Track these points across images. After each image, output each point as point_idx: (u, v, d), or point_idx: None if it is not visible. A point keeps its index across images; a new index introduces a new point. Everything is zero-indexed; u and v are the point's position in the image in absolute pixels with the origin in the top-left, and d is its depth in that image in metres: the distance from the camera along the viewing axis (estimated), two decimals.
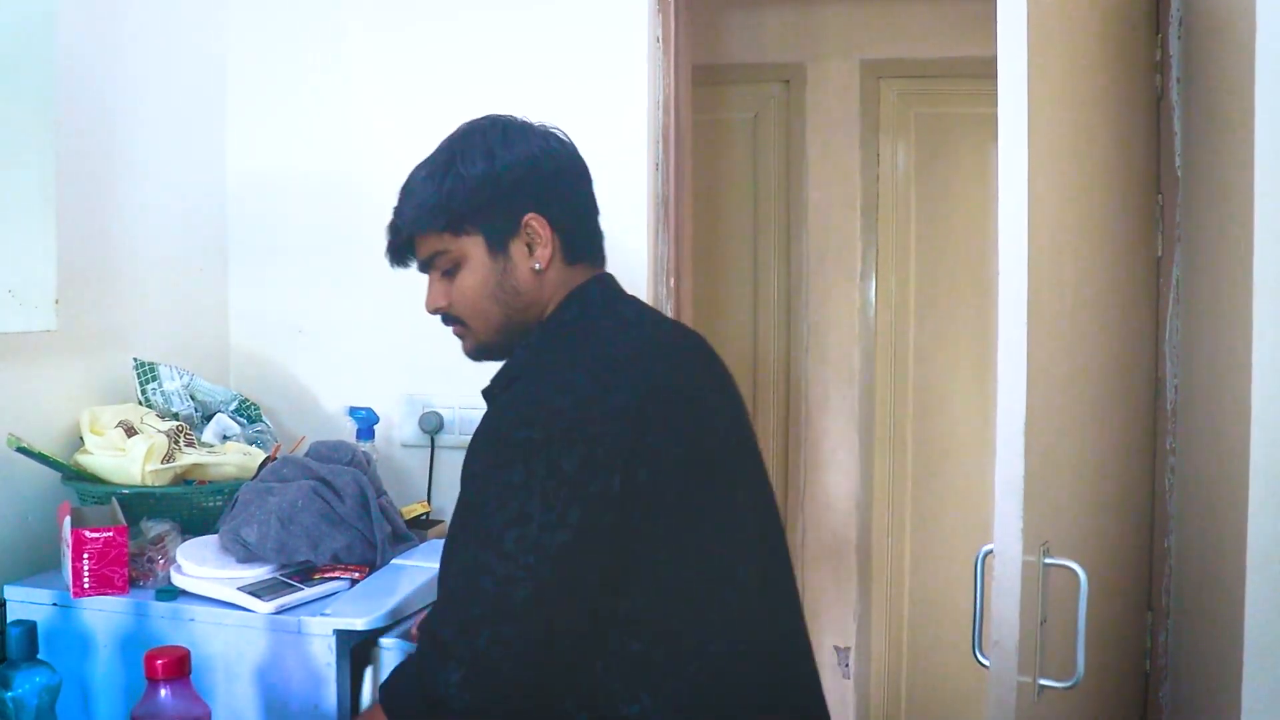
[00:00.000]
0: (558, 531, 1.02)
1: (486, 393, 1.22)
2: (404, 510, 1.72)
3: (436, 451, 1.99)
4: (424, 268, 1.23)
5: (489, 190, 1.16)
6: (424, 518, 1.79)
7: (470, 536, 1.05)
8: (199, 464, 1.63)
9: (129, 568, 1.41)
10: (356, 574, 1.45)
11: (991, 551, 1.20)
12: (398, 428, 2.02)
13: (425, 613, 1.37)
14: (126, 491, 1.55)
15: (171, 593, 1.41)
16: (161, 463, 1.58)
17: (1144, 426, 1.73)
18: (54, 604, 1.43)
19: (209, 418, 1.80)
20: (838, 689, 3.00)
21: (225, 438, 1.77)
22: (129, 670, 1.40)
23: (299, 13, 2.05)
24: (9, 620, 1.38)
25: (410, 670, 1.08)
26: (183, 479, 1.62)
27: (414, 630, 1.34)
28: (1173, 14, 1.69)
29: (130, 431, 1.62)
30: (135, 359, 1.78)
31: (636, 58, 1.90)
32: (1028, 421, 1.17)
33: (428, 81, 1.98)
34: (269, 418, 1.90)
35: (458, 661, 1.01)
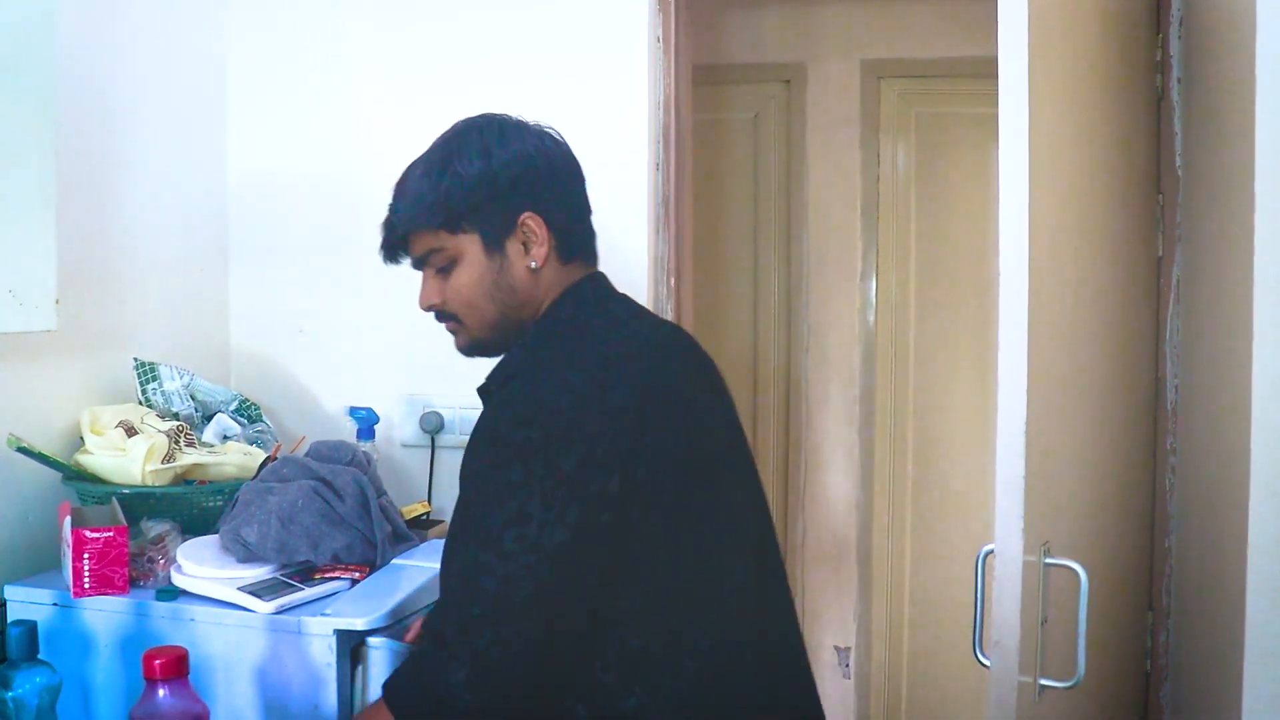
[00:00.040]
0: (557, 530, 1.02)
1: (482, 390, 1.22)
2: (404, 510, 1.72)
3: (437, 451, 1.99)
4: (418, 265, 1.23)
5: (486, 189, 1.17)
6: (424, 518, 1.79)
7: (470, 536, 1.06)
8: (199, 464, 1.63)
9: (129, 568, 1.41)
10: (357, 574, 1.45)
11: (992, 551, 1.20)
12: (398, 428, 2.02)
13: (422, 616, 1.38)
14: (127, 491, 1.55)
15: (172, 593, 1.41)
16: (162, 463, 1.58)
17: (1144, 426, 1.73)
18: (54, 604, 1.43)
19: (209, 418, 1.80)
20: (838, 689, 3.00)
21: (225, 438, 1.77)
22: (129, 670, 1.40)
23: (299, 12, 2.05)
24: (9, 620, 1.39)
25: (414, 669, 1.08)
26: (183, 479, 1.62)
27: (409, 634, 1.34)
28: (1173, 14, 1.69)
29: (130, 431, 1.62)
30: (135, 359, 1.78)
31: (637, 57, 1.90)
32: (1028, 421, 1.17)
33: (428, 81, 1.98)
34: (269, 418, 1.90)
35: (461, 661, 1.01)
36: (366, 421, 1.91)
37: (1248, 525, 1.33)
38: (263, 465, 1.62)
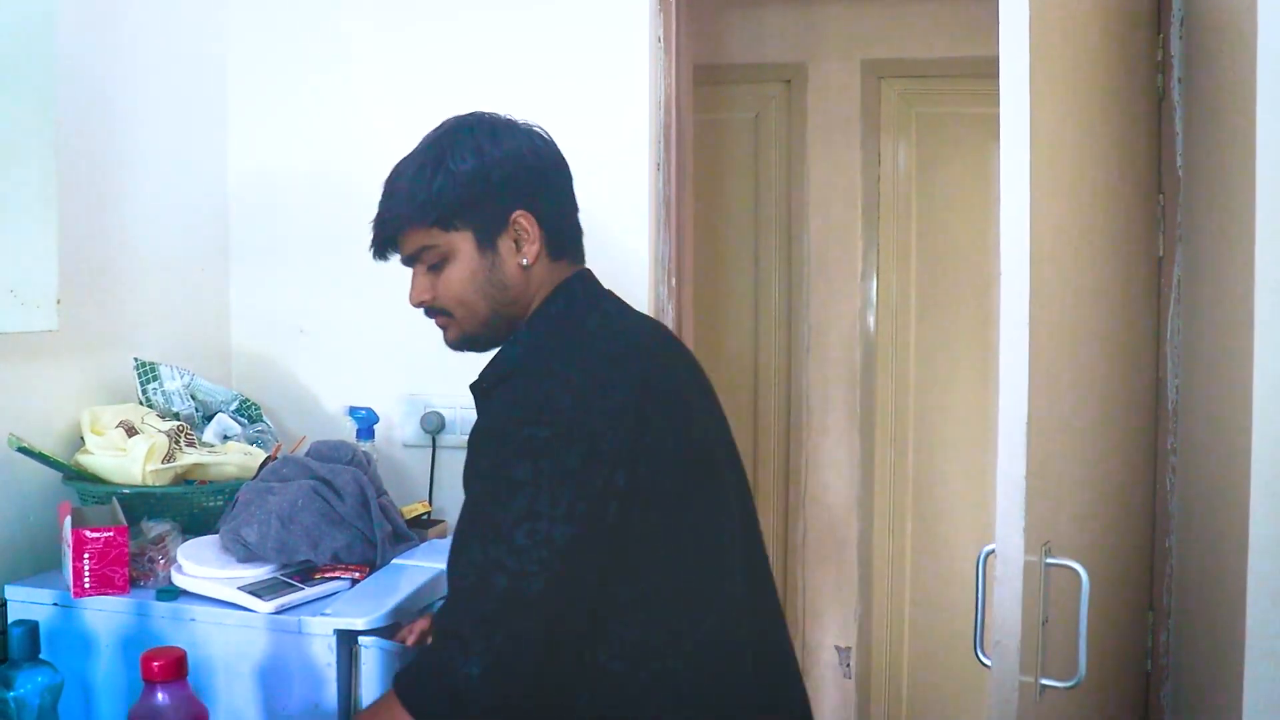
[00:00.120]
0: (566, 526, 1.03)
1: (475, 387, 1.23)
2: (405, 510, 1.72)
3: (437, 451, 1.99)
4: (409, 262, 1.23)
5: (479, 186, 1.17)
6: (425, 517, 1.79)
7: (480, 533, 1.06)
8: (199, 464, 1.63)
9: (129, 567, 1.41)
10: (357, 574, 1.45)
11: (993, 551, 1.20)
12: (398, 427, 2.02)
13: (412, 619, 1.37)
14: (127, 491, 1.55)
15: (172, 592, 1.41)
16: (162, 463, 1.58)
17: (1145, 426, 1.73)
18: (55, 604, 1.43)
19: (210, 418, 1.80)
20: (839, 689, 3.00)
21: (226, 438, 1.77)
22: (130, 670, 1.40)
23: (299, 12, 2.05)
24: (10, 620, 1.39)
25: (427, 664, 1.08)
26: (183, 479, 1.62)
27: (408, 636, 1.34)
28: (1174, 14, 1.68)
29: (131, 431, 1.62)
30: (136, 359, 1.78)
31: (638, 57, 1.90)
32: (1029, 421, 1.17)
33: (428, 81, 1.98)
34: (270, 418, 1.90)
35: (476, 656, 1.02)
36: (367, 421, 1.91)
37: (1248, 525, 1.33)
38: (263, 465, 1.62)
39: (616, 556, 1.07)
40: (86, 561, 1.38)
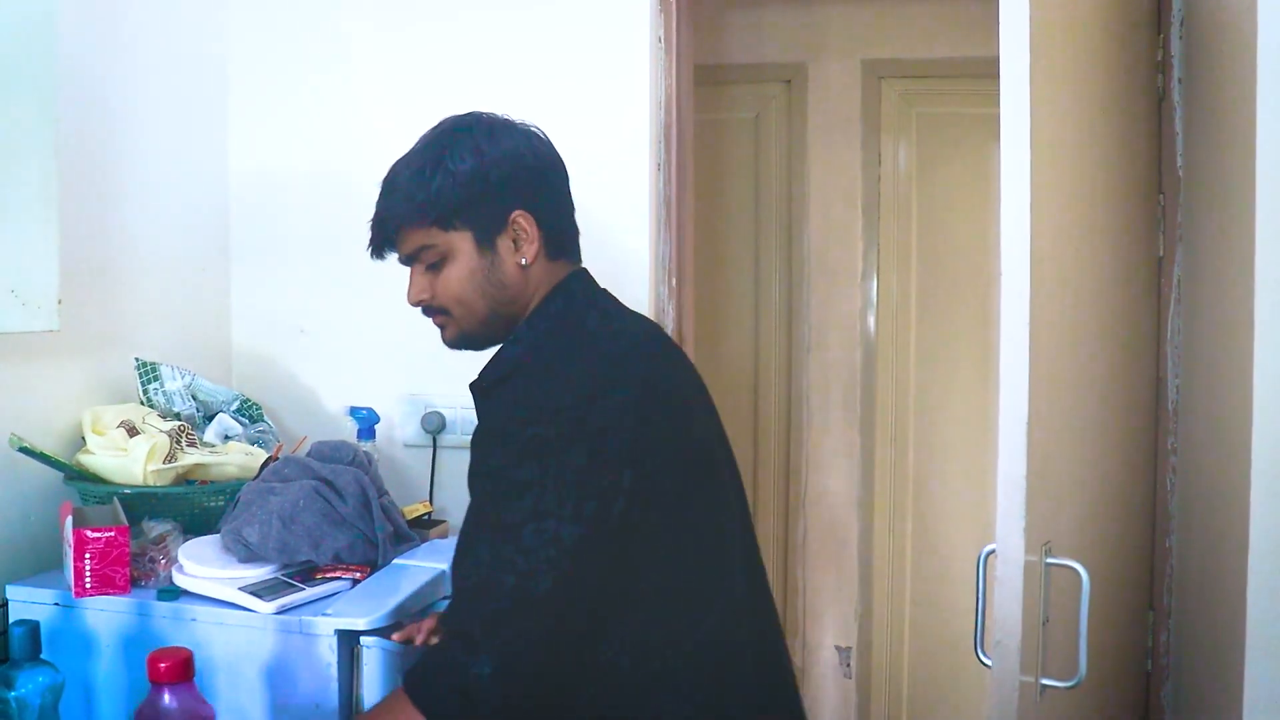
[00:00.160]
0: (574, 525, 1.04)
1: (475, 386, 1.23)
2: (406, 510, 1.72)
3: (438, 451, 1.99)
4: (407, 261, 1.23)
5: (478, 186, 1.17)
6: (426, 518, 1.79)
7: (487, 533, 1.07)
8: (201, 464, 1.63)
9: (131, 567, 1.41)
10: (358, 574, 1.45)
11: (994, 551, 1.20)
12: (399, 428, 2.02)
13: (429, 617, 1.38)
14: (128, 491, 1.55)
15: (173, 593, 1.41)
16: (163, 463, 1.58)
17: (1145, 426, 1.73)
18: (56, 604, 1.43)
19: (211, 418, 1.80)
20: (839, 689, 3.00)
21: (227, 438, 1.77)
22: (131, 670, 1.40)
23: (300, 12, 2.05)
24: (11, 620, 1.39)
25: (437, 664, 1.08)
26: (184, 479, 1.62)
27: (395, 636, 1.34)
28: (1174, 14, 1.68)
29: (132, 431, 1.62)
30: (137, 359, 1.78)
31: (638, 57, 1.90)
32: (1030, 421, 1.17)
33: (428, 81, 1.98)
34: (270, 418, 1.90)
35: (487, 655, 1.03)
36: (368, 421, 1.91)
37: (1249, 525, 1.33)
38: (264, 465, 1.62)
39: (621, 555, 1.08)
40: (88, 561, 1.38)
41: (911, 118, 2.95)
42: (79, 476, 1.59)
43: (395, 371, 2.01)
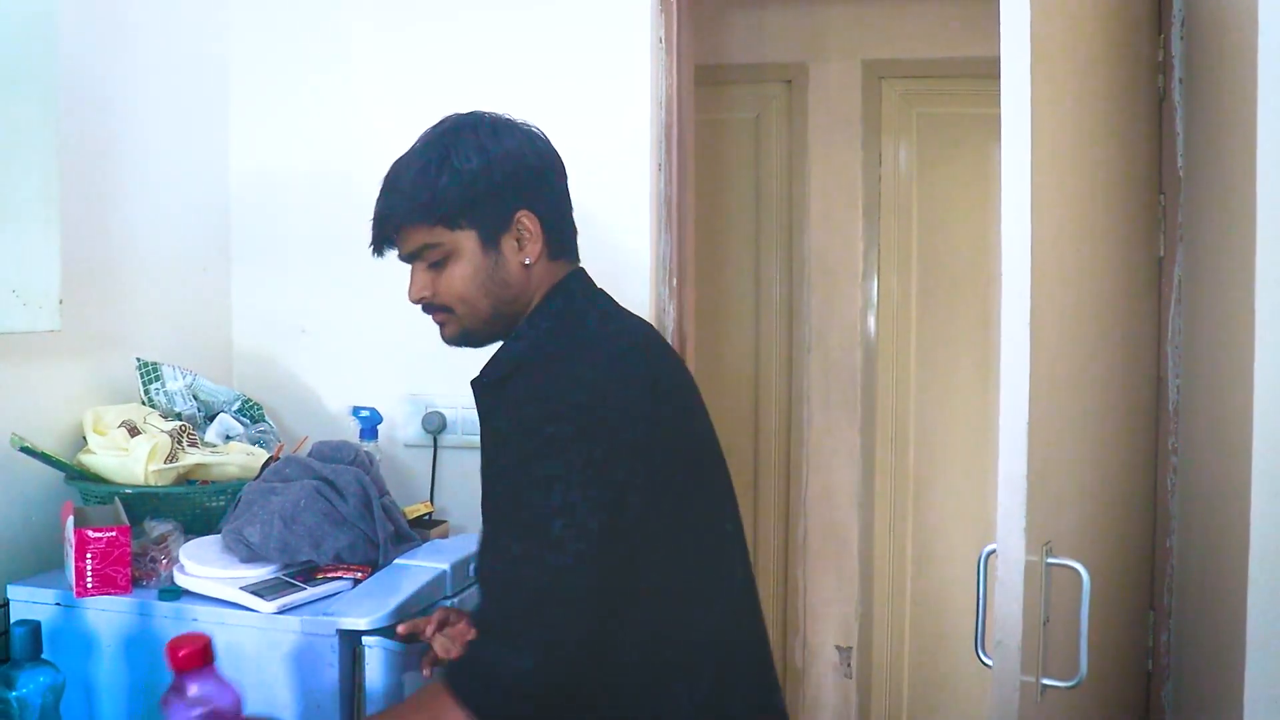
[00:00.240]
0: (598, 516, 1.05)
1: (477, 383, 1.23)
2: (407, 510, 1.72)
3: (439, 451, 2.00)
4: (409, 259, 1.23)
5: (483, 185, 1.17)
6: (427, 518, 1.79)
7: (515, 529, 1.07)
8: (202, 464, 1.63)
9: (132, 567, 1.41)
10: (359, 574, 1.46)
11: (994, 551, 1.20)
12: (400, 428, 2.02)
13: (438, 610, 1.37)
14: (129, 491, 1.55)
15: (174, 592, 1.41)
16: (164, 463, 1.58)
17: (1146, 426, 1.73)
18: (57, 604, 1.43)
19: (212, 418, 1.80)
20: (840, 689, 3.00)
21: (228, 438, 1.77)
22: (132, 670, 1.40)
23: (300, 12, 2.06)
24: (13, 620, 1.39)
25: (479, 660, 1.08)
26: (185, 479, 1.62)
27: (401, 629, 1.33)
28: (1175, 14, 1.69)
29: (133, 431, 1.62)
30: (138, 359, 1.78)
31: (639, 58, 1.90)
32: (1030, 421, 1.17)
33: (429, 81, 1.98)
34: (272, 418, 1.90)
35: (527, 650, 1.04)
36: (369, 421, 1.92)
37: (1249, 525, 1.33)
38: (265, 465, 1.62)
39: (632, 547, 1.09)
40: (89, 561, 1.38)
41: (912, 118, 2.95)
42: (80, 476, 1.59)
43: (396, 371, 2.01)
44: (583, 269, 1.28)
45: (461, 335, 1.24)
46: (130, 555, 1.41)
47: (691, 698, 1.13)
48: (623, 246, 1.88)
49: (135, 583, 1.43)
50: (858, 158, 2.93)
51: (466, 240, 1.18)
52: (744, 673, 1.20)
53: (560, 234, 1.24)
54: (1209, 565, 1.55)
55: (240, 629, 1.35)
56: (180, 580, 1.42)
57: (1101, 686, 1.51)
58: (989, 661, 1.22)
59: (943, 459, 2.96)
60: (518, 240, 1.20)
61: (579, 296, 1.23)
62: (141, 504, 1.55)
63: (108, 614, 1.41)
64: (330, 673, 1.32)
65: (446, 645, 1.29)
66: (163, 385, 1.78)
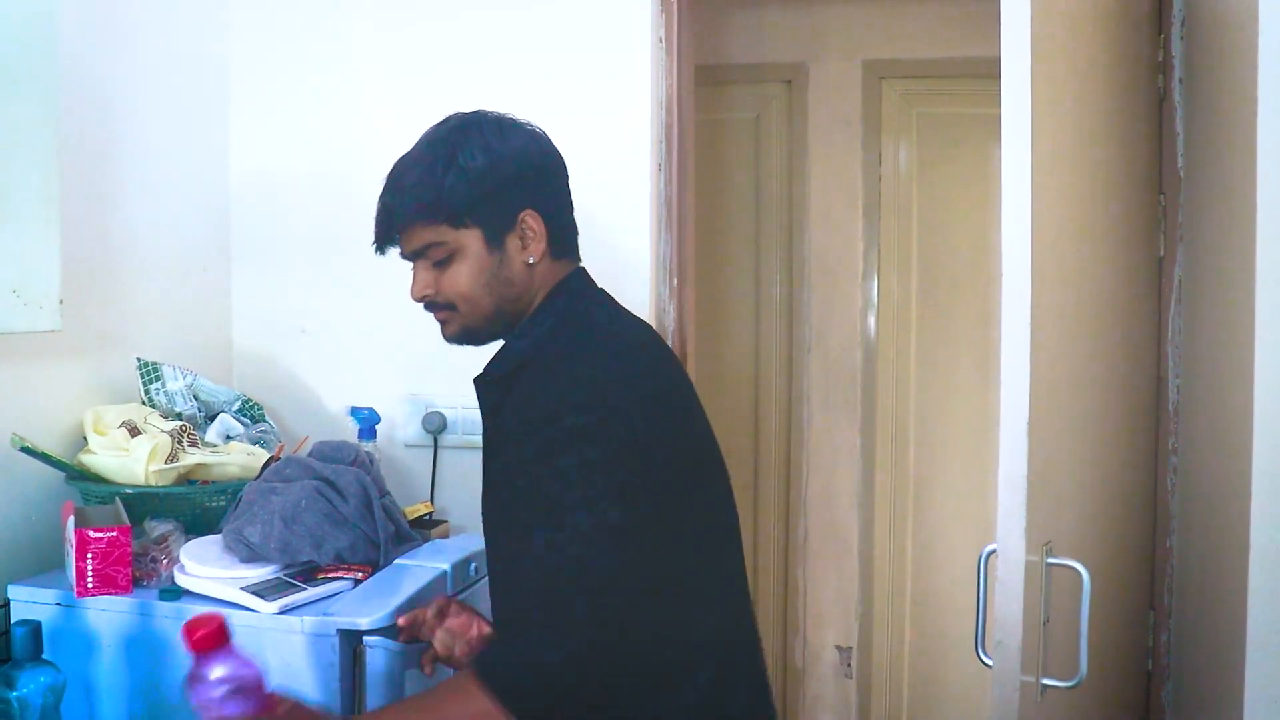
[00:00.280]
0: (618, 509, 1.05)
1: (481, 380, 1.23)
2: (407, 510, 1.72)
3: (439, 452, 2.00)
4: (411, 257, 1.23)
5: (490, 184, 1.17)
6: (427, 518, 1.79)
7: (539, 523, 1.07)
8: (202, 464, 1.63)
9: (132, 567, 1.41)
10: (359, 574, 1.46)
11: (994, 551, 1.20)
12: (400, 428, 2.02)
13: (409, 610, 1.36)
14: (130, 491, 1.55)
15: (175, 592, 1.41)
16: (165, 463, 1.58)
17: (1146, 426, 1.73)
18: (58, 604, 1.43)
19: (212, 418, 1.80)
20: (840, 689, 3.00)
21: (228, 438, 1.77)
22: (133, 670, 1.40)
23: (300, 12, 2.06)
24: (13, 620, 1.39)
25: (511, 652, 1.08)
26: (186, 479, 1.62)
27: (401, 621, 1.33)
28: (1175, 14, 1.69)
29: (134, 431, 1.62)
30: (139, 359, 1.78)
31: (639, 58, 1.91)
32: (1031, 421, 1.17)
33: (429, 81, 1.98)
34: (272, 418, 1.90)
35: (559, 641, 1.04)
36: (369, 421, 1.91)
37: (1249, 525, 1.33)
38: (266, 465, 1.62)
39: (644, 541, 1.09)
40: (90, 561, 1.38)
41: (912, 118, 2.95)
42: (81, 476, 1.59)
43: (396, 371, 2.01)
44: (584, 268, 1.28)
45: (463, 333, 1.25)
46: (131, 555, 1.41)
47: (692, 698, 1.13)
48: (623, 246, 1.88)
49: (136, 583, 1.43)
50: (858, 158, 2.94)
51: (471, 239, 1.19)
52: (744, 673, 1.21)
53: (563, 233, 1.24)
54: (1209, 565, 1.55)
55: (241, 629, 1.33)
56: (181, 580, 1.42)
57: (1101, 686, 1.51)
58: (989, 661, 1.22)
59: (943, 459, 2.96)
60: (522, 239, 1.20)
61: (582, 295, 1.24)
62: (142, 504, 1.55)
63: (108, 614, 1.41)
64: (331, 673, 1.32)
65: (448, 642, 1.29)
66: (163, 385, 1.78)
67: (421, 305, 1.25)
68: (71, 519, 1.43)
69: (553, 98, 1.88)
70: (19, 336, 1.54)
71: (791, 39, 2.96)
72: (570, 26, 1.93)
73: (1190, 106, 1.67)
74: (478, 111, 1.24)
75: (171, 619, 1.38)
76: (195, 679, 1.08)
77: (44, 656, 1.28)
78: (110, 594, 1.40)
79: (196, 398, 1.80)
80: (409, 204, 1.19)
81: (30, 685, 1.25)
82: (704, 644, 1.15)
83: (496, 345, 1.26)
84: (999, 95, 1.17)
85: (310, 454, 1.61)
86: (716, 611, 1.17)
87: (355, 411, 1.94)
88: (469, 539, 1.66)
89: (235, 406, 1.85)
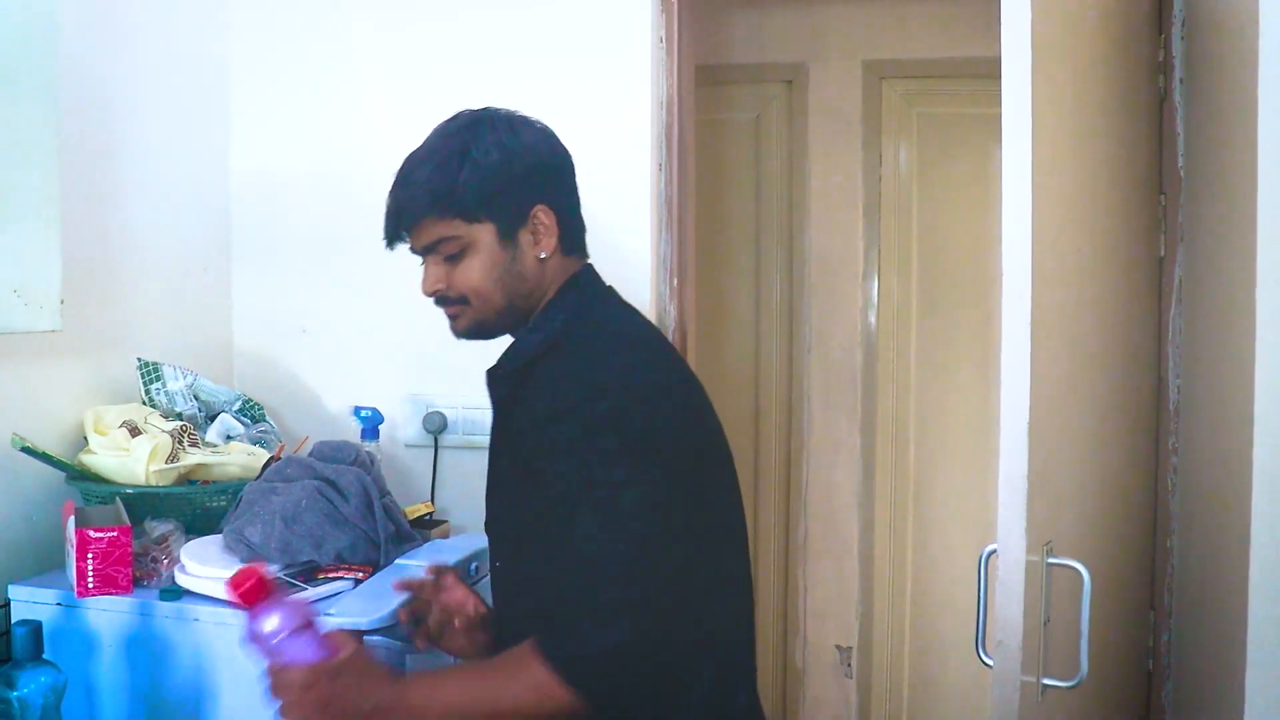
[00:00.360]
0: (662, 488, 1.07)
1: (495, 373, 1.23)
2: (407, 510, 1.72)
3: (440, 452, 2.00)
4: (422, 252, 1.23)
5: (502, 179, 1.18)
6: (427, 518, 1.80)
7: (586, 504, 1.07)
8: (203, 464, 1.64)
9: (133, 567, 1.42)
10: (360, 574, 1.46)
11: (995, 551, 1.20)
12: (401, 428, 2.02)
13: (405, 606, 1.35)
14: (130, 491, 1.55)
15: (175, 592, 1.41)
16: (165, 463, 1.58)
17: (1147, 426, 1.73)
18: (58, 604, 1.43)
19: (213, 418, 1.80)
20: (840, 689, 3.00)
21: (229, 438, 1.77)
22: (133, 670, 1.40)
23: (301, 12, 2.06)
24: (14, 620, 1.39)
25: (572, 633, 1.06)
26: (186, 479, 1.62)
27: (402, 614, 1.32)
28: (1175, 14, 1.69)
29: (134, 431, 1.62)
30: (139, 359, 1.78)
31: (639, 58, 1.91)
32: (1031, 421, 1.17)
33: (430, 81, 1.98)
34: (272, 418, 1.90)
35: (620, 622, 1.04)
36: (372, 422, 1.91)
37: (1250, 525, 1.33)
38: (266, 465, 1.62)
39: (694, 512, 1.11)
40: (90, 561, 1.38)
41: (912, 118, 2.95)
42: (81, 476, 1.59)
43: (397, 371, 2.01)
44: (592, 265, 1.28)
45: (474, 328, 1.24)
46: (131, 555, 1.41)
47: (692, 697, 1.13)
48: (623, 246, 1.88)
49: (136, 583, 1.43)
50: (858, 158, 2.93)
51: (484, 233, 1.19)
52: (743, 673, 1.21)
53: (573, 229, 1.25)
54: (1209, 565, 1.55)
55: (241, 629, 1.35)
56: (181, 580, 1.42)
57: (1102, 686, 1.51)
58: (989, 661, 1.22)
59: (943, 459, 2.96)
60: (534, 234, 1.20)
61: (592, 291, 1.25)
62: (142, 504, 1.55)
63: (109, 614, 1.41)
64: None
65: (442, 620, 1.28)
66: (163, 385, 1.78)
67: (432, 300, 1.25)
68: (72, 519, 1.43)
69: (553, 98, 1.88)
70: (19, 336, 1.54)
71: (792, 39, 2.96)
72: (570, 26, 1.93)
73: (1190, 107, 1.67)
74: (488, 108, 1.24)
75: (172, 619, 1.38)
76: (251, 635, 1.06)
77: (45, 656, 1.28)
78: (111, 594, 1.40)
79: (197, 398, 1.80)
80: (422, 198, 1.18)
81: (31, 685, 1.25)
82: (705, 644, 1.15)
83: (498, 344, 1.26)
84: (999, 95, 1.17)
85: (311, 454, 1.61)
86: (718, 610, 1.17)
87: (357, 411, 1.94)
88: (469, 539, 1.66)
89: (236, 406, 1.85)
